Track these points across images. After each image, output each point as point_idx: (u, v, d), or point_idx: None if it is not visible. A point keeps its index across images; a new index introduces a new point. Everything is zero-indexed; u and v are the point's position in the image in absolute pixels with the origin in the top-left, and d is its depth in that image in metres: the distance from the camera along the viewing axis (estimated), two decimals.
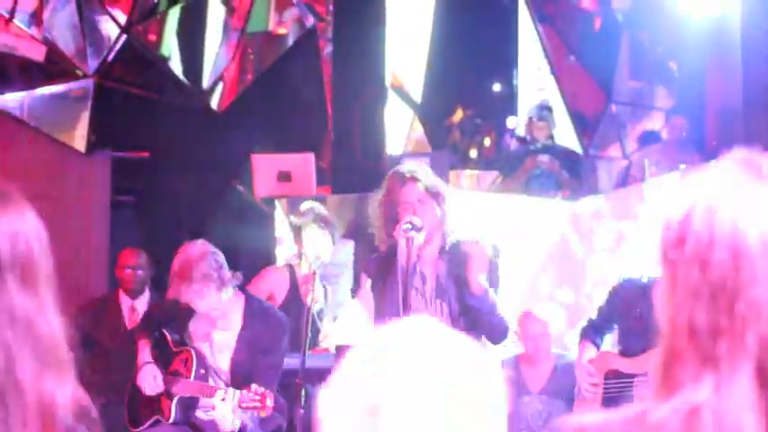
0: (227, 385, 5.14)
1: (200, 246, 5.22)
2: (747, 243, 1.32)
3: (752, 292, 1.31)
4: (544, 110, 9.54)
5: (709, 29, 9.05)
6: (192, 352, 5.29)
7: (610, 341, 5.52)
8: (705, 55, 9.33)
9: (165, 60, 10.33)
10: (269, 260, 7.87)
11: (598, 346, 5.40)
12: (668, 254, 1.37)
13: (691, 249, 1.34)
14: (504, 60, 11.12)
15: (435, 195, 4.77)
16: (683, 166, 8.80)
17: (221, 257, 5.20)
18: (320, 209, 6.84)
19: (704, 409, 1.29)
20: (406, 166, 4.90)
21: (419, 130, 10.87)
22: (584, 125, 10.80)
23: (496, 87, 11.28)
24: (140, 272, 7.03)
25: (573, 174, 9.35)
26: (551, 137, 9.43)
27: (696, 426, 1.28)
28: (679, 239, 1.36)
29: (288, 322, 5.39)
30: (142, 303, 6.94)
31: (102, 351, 6.85)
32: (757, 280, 1.31)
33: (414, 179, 4.74)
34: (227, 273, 5.18)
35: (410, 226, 4.52)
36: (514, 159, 9.43)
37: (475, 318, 4.72)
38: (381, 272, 4.77)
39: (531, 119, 9.51)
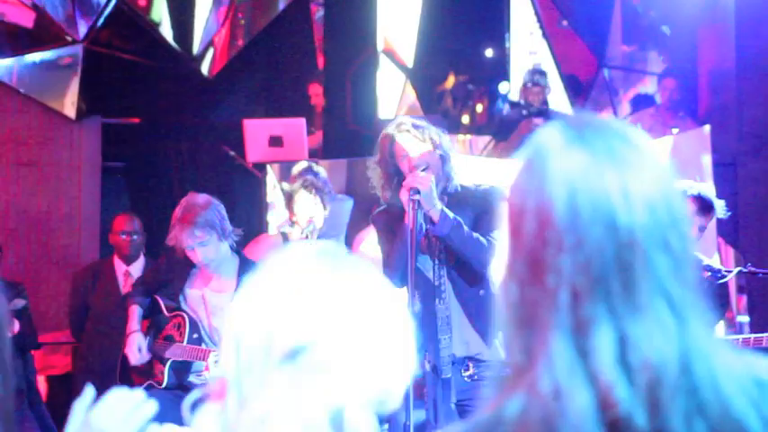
0: None
1: (204, 196, 5.30)
2: (554, 210, 1.22)
3: (561, 261, 1.20)
4: (538, 74, 9.50)
5: None
6: (185, 316, 5.28)
7: None
8: (698, 19, 9.28)
9: (155, 26, 10.25)
10: (260, 225, 7.85)
11: None
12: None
13: (510, 223, 1.27)
14: (496, 25, 11.05)
15: (429, 139, 4.66)
16: (675, 131, 8.78)
17: (224, 210, 5.26)
18: (310, 174, 6.79)
19: (546, 398, 1.19)
20: (395, 121, 4.80)
21: (411, 94, 10.82)
22: (576, 90, 10.76)
23: (489, 53, 11.21)
24: (136, 237, 7.07)
25: None
26: (545, 101, 9.40)
27: (546, 414, 1.19)
28: (507, 215, 1.28)
29: None
30: (137, 268, 6.98)
31: (96, 316, 6.89)
32: (565, 248, 1.21)
33: (404, 130, 4.65)
34: (228, 225, 5.23)
35: (415, 190, 4.45)
36: (508, 124, 9.39)
37: (450, 248, 4.58)
38: (389, 226, 4.71)
39: (525, 84, 9.46)
